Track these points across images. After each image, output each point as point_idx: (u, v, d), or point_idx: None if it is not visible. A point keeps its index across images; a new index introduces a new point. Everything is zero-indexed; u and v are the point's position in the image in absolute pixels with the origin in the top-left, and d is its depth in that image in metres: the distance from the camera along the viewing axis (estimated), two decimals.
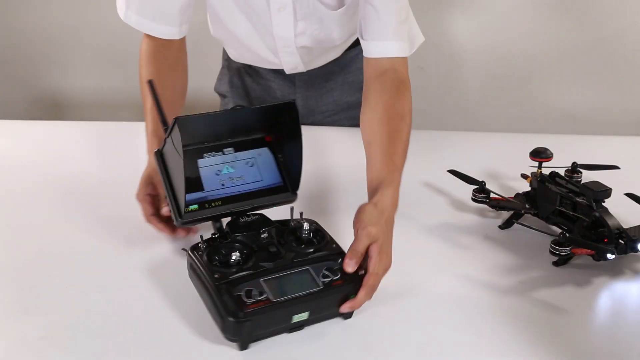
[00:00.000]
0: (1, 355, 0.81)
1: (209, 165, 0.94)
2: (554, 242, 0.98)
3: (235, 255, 0.86)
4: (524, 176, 1.17)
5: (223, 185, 0.93)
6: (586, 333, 0.89)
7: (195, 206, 0.92)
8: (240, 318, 0.80)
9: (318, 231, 0.92)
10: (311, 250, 0.89)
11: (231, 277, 0.84)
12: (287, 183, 0.97)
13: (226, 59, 1.51)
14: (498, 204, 1.13)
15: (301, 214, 0.94)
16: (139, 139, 1.42)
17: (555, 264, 1.02)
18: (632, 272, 1.01)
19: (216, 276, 0.84)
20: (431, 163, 1.33)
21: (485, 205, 1.14)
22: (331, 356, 0.84)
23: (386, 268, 0.90)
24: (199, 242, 0.89)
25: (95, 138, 1.40)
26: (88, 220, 1.10)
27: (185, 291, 0.91)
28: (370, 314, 0.90)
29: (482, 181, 1.13)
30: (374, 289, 0.87)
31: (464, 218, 1.15)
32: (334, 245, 0.90)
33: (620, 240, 0.98)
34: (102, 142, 1.38)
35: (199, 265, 0.87)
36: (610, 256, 0.97)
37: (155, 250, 1.02)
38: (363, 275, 0.87)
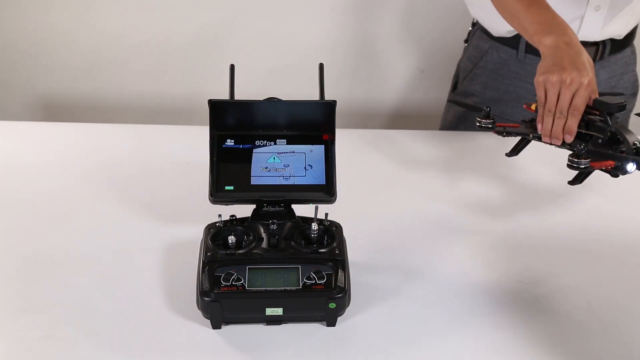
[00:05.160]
0: (1, 355, 0.81)
1: (257, 152, 0.94)
2: (572, 155, 0.91)
3: (231, 239, 0.88)
4: (527, 105, 1.10)
5: (265, 173, 0.94)
6: (586, 333, 0.89)
7: (231, 187, 0.93)
8: (210, 298, 0.84)
9: (330, 234, 0.91)
10: (311, 250, 0.88)
11: (220, 258, 0.87)
12: (330, 183, 0.95)
13: (480, 57, 1.45)
14: (504, 130, 1.07)
15: (326, 214, 0.94)
16: (135, 141, 1.42)
17: (573, 182, 0.94)
18: (632, 272, 1.01)
19: (208, 254, 0.87)
20: (431, 163, 1.33)
21: (484, 204, 1.13)
22: (331, 355, 0.84)
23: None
24: (217, 222, 0.92)
25: (93, 139, 1.40)
26: (87, 219, 1.10)
27: (185, 291, 0.91)
28: (368, 314, 0.90)
29: (487, 107, 1.08)
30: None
31: (464, 217, 1.15)
32: (337, 252, 0.89)
33: (638, 156, 0.90)
34: (100, 144, 1.38)
35: (203, 242, 0.91)
36: (630, 168, 0.90)
37: (155, 250, 1.02)
38: (343, 287, 0.85)
